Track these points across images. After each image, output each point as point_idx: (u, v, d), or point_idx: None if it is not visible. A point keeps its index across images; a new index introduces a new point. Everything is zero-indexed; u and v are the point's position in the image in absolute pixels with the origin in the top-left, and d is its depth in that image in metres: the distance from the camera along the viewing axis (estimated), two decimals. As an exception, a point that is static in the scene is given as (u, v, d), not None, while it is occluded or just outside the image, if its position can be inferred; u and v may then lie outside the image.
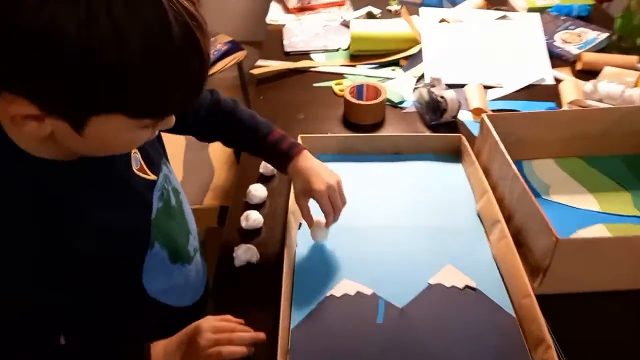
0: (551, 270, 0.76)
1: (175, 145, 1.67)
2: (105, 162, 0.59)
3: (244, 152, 1.15)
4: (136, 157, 0.68)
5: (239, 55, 2.25)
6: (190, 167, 1.59)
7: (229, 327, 0.68)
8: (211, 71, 2.09)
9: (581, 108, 1.16)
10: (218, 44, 2.21)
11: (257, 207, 0.98)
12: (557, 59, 1.44)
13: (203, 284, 0.86)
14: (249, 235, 0.92)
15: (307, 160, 0.82)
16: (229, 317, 0.72)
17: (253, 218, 0.92)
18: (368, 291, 0.80)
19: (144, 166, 0.69)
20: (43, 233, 0.55)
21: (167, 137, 1.79)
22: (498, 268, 0.84)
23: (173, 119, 0.57)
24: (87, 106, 0.47)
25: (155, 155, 0.72)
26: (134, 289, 0.70)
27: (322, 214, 0.82)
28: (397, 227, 0.92)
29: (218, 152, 1.65)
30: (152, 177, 0.70)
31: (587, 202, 0.98)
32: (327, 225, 0.83)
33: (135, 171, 0.67)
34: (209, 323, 0.66)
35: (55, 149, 0.55)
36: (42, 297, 0.59)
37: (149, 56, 0.44)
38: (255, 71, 1.43)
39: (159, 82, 0.47)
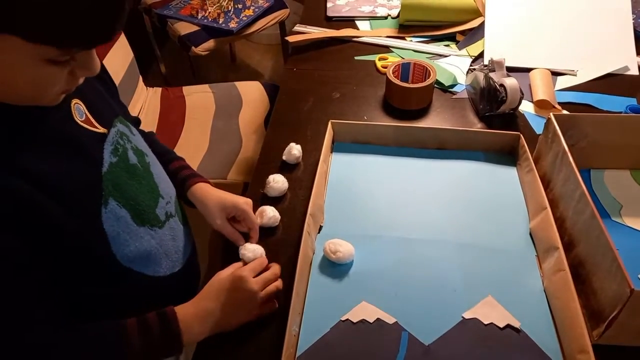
0: (619, 322, 0.62)
1: (203, 111, 1.58)
2: (34, 110, 0.55)
3: (269, 126, 1.06)
4: (79, 108, 0.63)
5: (281, 14, 2.10)
6: (217, 136, 1.49)
7: (260, 265, 0.73)
8: (251, 29, 1.96)
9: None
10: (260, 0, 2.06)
11: (276, 200, 0.87)
12: (646, 43, 1.22)
13: (184, 254, 0.78)
14: (263, 234, 0.82)
15: (210, 187, 0.84)
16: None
17: (269, 215, 0.81)
18: (390, 319, 0.68)
19: (91, 118, 0.64)
20: None
21: (197, 102, 1.70)
22: (549, 306, 0.70)
23: (94, 62, 0.53)
24: None
25: (105, 109, 0.68)
26: (105, 257, 0.63)
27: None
28: (431, 240, 0.79)
29: (247, 119, 1.54)
30: (102, 130, 0.65)
31: (668, 229, 0.81)
32: (255, 240, 0.79)
33: (79, 122, 0.62)
34: (246, 270, 0.70)
35: None
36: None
37: None
38: (291, 38, 1.28)
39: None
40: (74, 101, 0.62)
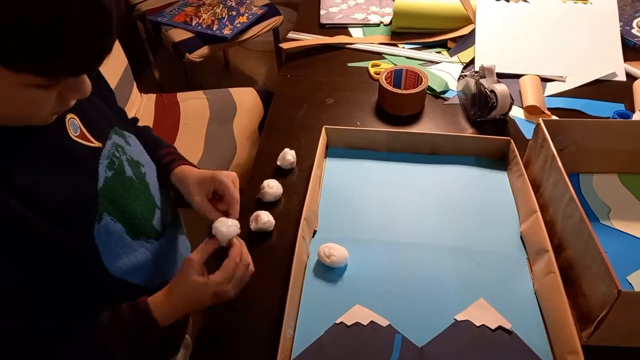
0: (607, 323, 0.63)
1: (198, 117, 1.59)
2: (26, 128, 0.54)
3: (264, 132, 1.07)
4: (74, 123, 0.62)
5: (275, 21, 2.12)
6: (211, 141, 1.50)
7: (235, 267, 0.67)
8: (245, 36, 1.98)
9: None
10: (254, 7, 2.07)
11: (270, 205, 0.88)
12: (633, 50, 1.24)
13: (181, 264, 0.76)
14: (257, 239, 0.82)
15: (193, 168, 0.79)
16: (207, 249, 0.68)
17: (263, 220, 0.82)
18: (384, 322, 0.69)
19: (86, 133, 0.63)
20: None
21: (191, 109, 1.70)
22: (540, 307, 0.71)
23: (85, 85, 0.52)
24: None
25: (101, 122, 0.67)
26: (96, 270, 0.62)
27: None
28: (423, 244, 0.80)
29: (241, 125, 1.55)
30: (97, 144, 0.64)
31: (656, 232, 0.83)
32: (234, 216, 0.72)
33: (74, 137, 0.61)
34: (225, 284, 0.65)
35: None
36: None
37: (23, 3, 0.40)
38: (284, 45, 1.30)
39: (37, 32, 0.42)
40: (69, 116, 0.61)
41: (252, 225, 0.83)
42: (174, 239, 0.77)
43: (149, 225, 0.70)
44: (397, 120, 1.08)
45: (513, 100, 1.03)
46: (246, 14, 2.03)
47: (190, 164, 0.81)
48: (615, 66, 1.19)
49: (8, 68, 0.44)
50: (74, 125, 0.62)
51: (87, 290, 0.64)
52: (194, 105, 1.65)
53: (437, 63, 1.24)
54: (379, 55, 1.28)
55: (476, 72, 1.08)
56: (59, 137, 0.59)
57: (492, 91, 1.01)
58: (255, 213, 0.83)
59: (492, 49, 1.24)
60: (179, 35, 1.91)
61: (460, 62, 1.24)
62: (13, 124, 0.53)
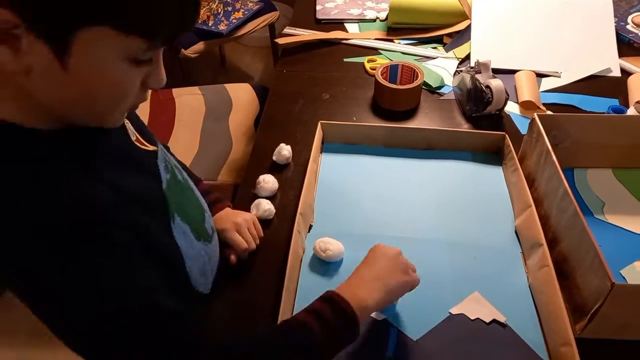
0: (600, 316, 0.64)
1: (193, 112, 1.58)
2: (99, 130, 0.53)
3: (259, 128, 1.07)
4: (130, 127, 0.63)
5: (271, 16, 2.11)
6: (207, 137, 1.50)
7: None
8: (241, 32, 1.97)
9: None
10: (249, 2, 2.07)
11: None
12: (628, 46, 1.25)
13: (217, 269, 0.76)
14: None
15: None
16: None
17: (264, 208, 0.83)
18: (379, 316, 0.70)
19: (139, 137, 0.64)
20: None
21: (187, 104, 1.69)
22: (534, 300, 0.72)
23: (163, 73, 0.53)
24: (73, 13, 0.42)
25: (145, 128, 0.68)
26: (181, 277, 0.62)
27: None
28: (419, 238, 0.80)
29: (237, 121, 1.55)
30: (152, 147, 0.65)
31: (649, 226, 0.83)
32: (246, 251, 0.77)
33: (134, 141, 0.62)
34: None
35: (32, 112, 0.47)
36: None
37: None
38: (280, 40, 1.29)
39: None
40: (125, 121, 0.61)
41: (253, 213, 0.83)
42: (218, 243, 0.76)
43: (202, 227, 0.69)
44: (393, 116, 1.08)
45: (508, 95, 1.03)
46: (242, 10, 2.02)
47: (224, 204, 0.83)
48: (610, 62, 1.19)
49: (116, 28, 0.43)
50: (131, 130, 0.62)
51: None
52: (189, 101, 1.64)
53: (433, 58, 1.25)
54: (375, 51, 1.28)
55: (472, 67, 1.08)
56: (124, 140, 0.60)
57: (487, 86, 1.01)
58: (257, 200, 0.84)
59: (487, 45, 1.24)
60: (174, 30, 1.90)
61: (456, 57, 1.25)
62: (89, 122, 0.51)
